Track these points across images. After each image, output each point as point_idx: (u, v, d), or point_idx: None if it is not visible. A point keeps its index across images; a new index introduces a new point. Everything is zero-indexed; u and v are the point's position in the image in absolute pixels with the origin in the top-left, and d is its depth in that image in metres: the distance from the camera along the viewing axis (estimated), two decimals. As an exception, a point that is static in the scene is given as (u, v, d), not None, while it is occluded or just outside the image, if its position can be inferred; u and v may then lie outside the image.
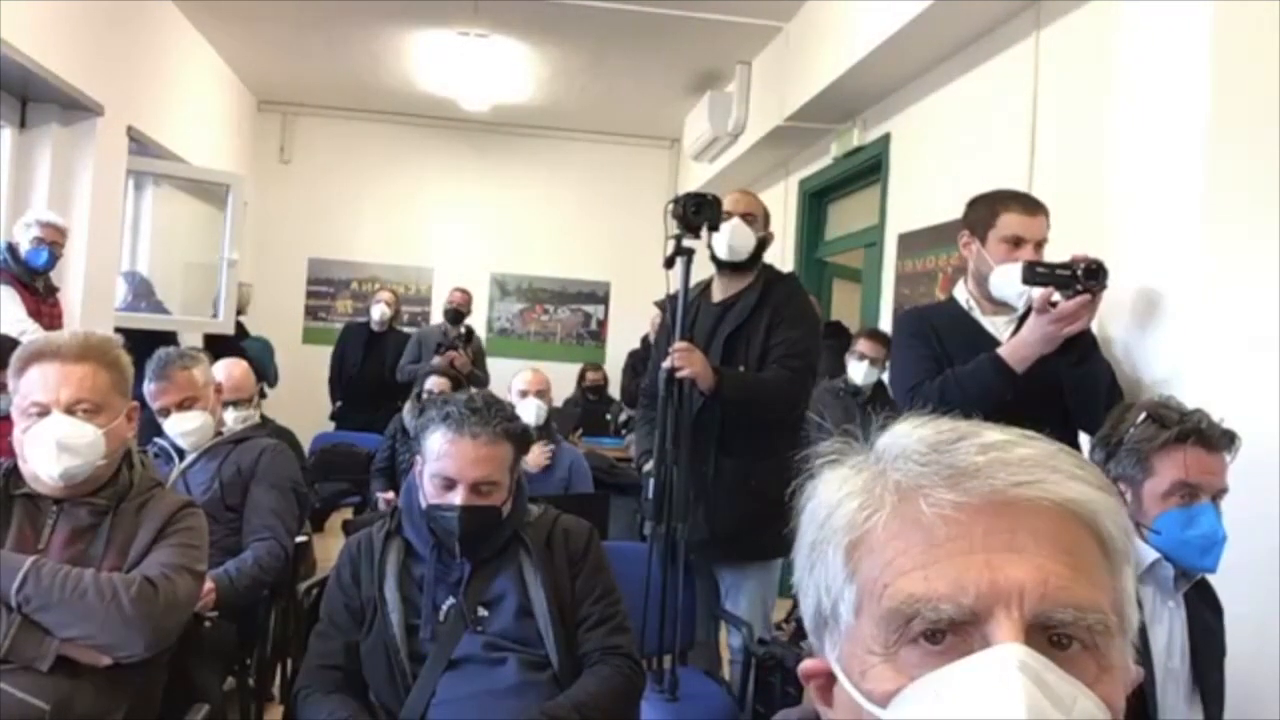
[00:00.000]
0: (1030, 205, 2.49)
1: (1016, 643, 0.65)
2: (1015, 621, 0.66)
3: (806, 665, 0.77)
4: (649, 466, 3.18)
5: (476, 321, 8.93)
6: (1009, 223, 2.44)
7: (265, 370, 6.71)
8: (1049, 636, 0.67)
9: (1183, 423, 1.88)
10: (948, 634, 0.67)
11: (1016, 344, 2.34)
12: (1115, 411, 2.04)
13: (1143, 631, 1.89)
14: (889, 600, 0.69)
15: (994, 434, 0.74)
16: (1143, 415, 1.92)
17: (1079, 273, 2.26)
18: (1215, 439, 1.88)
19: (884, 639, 0.69)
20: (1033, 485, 0.69)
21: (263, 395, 4.99)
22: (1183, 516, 1.87)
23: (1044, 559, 0.68)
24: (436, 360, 6.05)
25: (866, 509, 0.73)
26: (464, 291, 7.20)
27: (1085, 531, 0.70)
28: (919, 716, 0.66)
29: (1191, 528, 1.87)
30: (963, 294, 2.58)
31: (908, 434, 0.75)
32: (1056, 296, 2.29)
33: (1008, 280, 2.39)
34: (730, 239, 3.12)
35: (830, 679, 0.75)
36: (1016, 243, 2.42)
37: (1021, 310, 2.43)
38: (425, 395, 4.49)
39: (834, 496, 0.76)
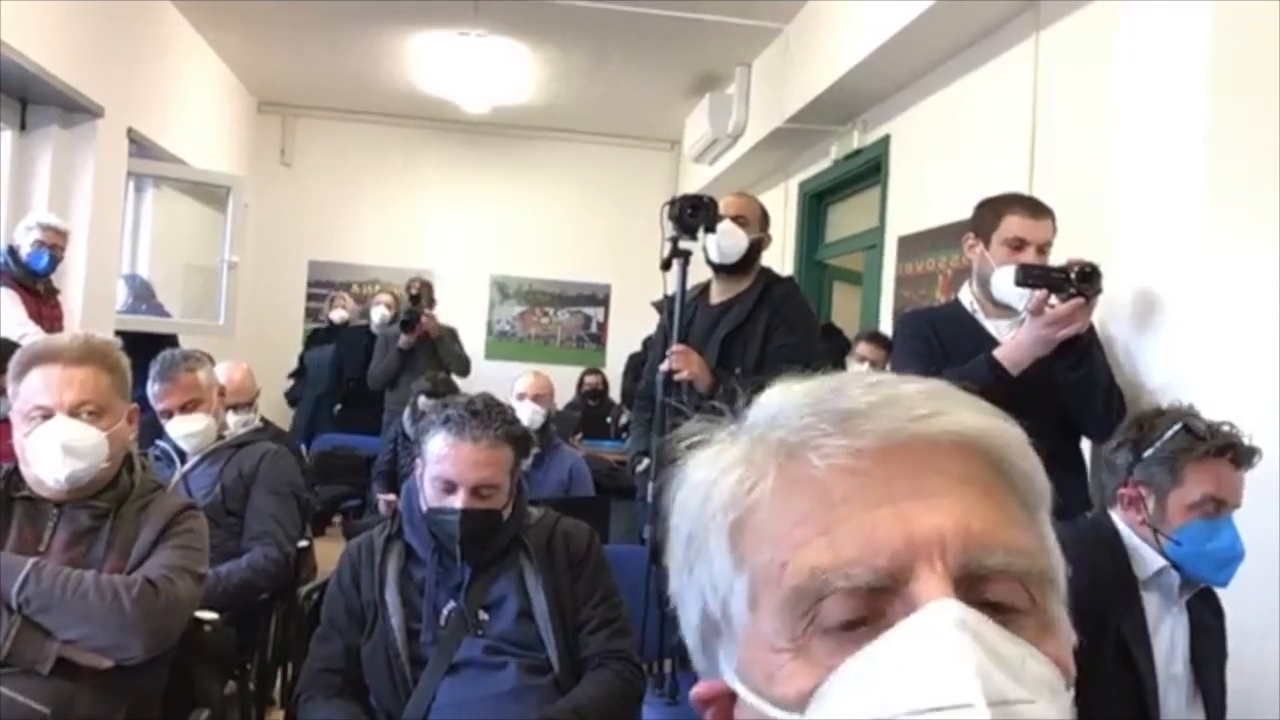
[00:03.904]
0: (1034, 209, 2.50)
1: (948, 598, 0.54)
2: (941, 575, 0.55)
3: (698, 690, 0.64)
4: (643, 466, 3.18)
5: (476, 324, 8.94)
6: (1012, 225, 2.45)
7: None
8: (983, 599, 0.56)
9: (1216, 436, 1.88)
10: (865, 618, 0.56)
11: (1012, 346, 2.35)
12: (1143, 416, 2.04)
13: (1145, 637, 1.89)
14: (791, 579, 0.58)
15: (881, 375, 0.65)
16: (1178, 425, 1.91)
17: (1073, 276, 2.27)
18: (1247, 455, 1.89)
19: (790, 630, 0.58)
20: (932, 419, 0.60)
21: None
22: (1206, 529, 1.88)
23: (958, 500, 0.58)
24: (403, 339, 5.78)
25: (748, 480, 0.62)
26: (414, 282, 6.37)
27: (994, 471, 0.61)
28: (847, 712, 0.54)
29: (1213, 541, 1.88)
30: (967, 296, 2.59)
31: (783, 393, 0.64)
32: (1054, 299, 2.30)
33: (1007, 282, 2.39)
34: (720, 240, 3.12)
35: (730, 701, 0.62)
36: (1018, 245, 2.43)
37: (1022, 312, 2.44)
38: (419, 413, 4.45)
39: (707, 476, 0.64)
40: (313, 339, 7.73)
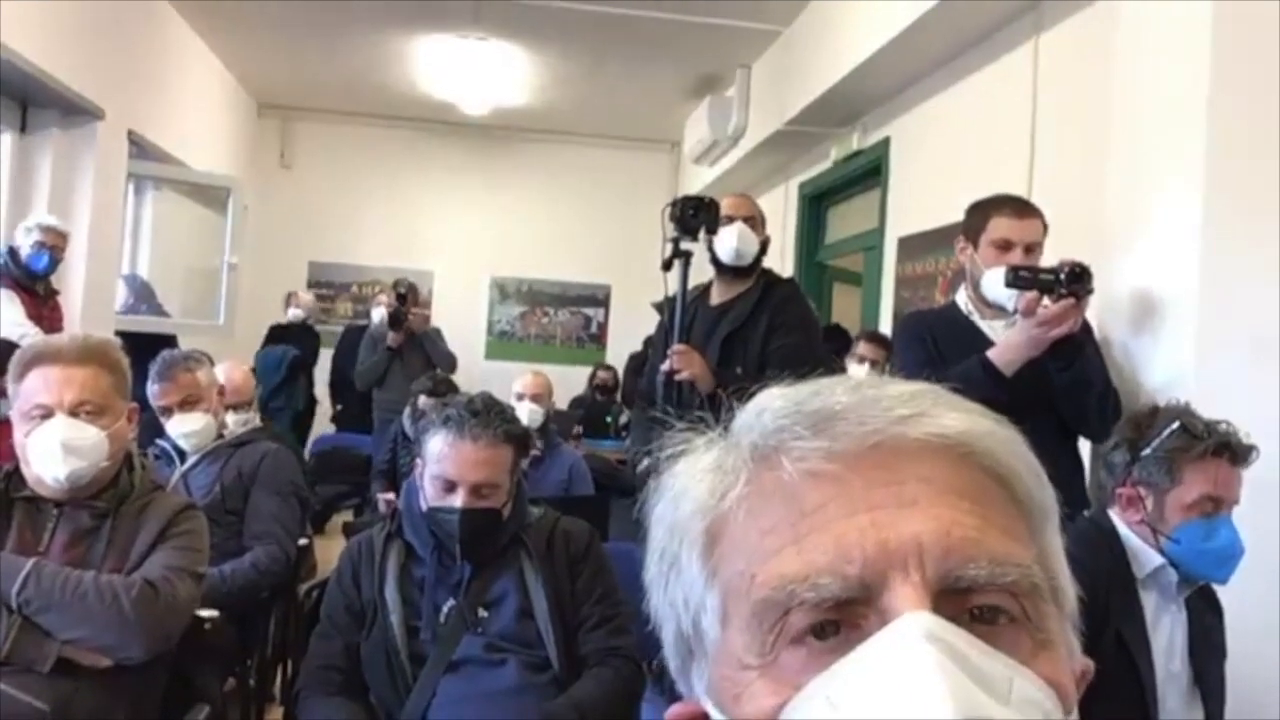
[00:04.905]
0: (1021, 209, 2.50)
1: (921, 610, 0.50)
2: (916, 586, 0.51)
3: (673, 712, 0.62)
4: (644, 466, 3.18)
5: (477, 324, 8.97)
6: (998, 226, 2.46)
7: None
8: (969, 611, 0.52)
9: (1213, 435, 1.89)
10: (839, 626, 0.52)
11: (1004, 347, 2.35)
12: (1139, 415, 2.04)
13: (1144, 635, 1.90)
14: (759, 591, 0.54)
15: (867, 378, 0.62)
16: (1175, 424, 1.91)
17: (1062, 276, 2.27)
18: (1244, 454, 1.89)
19: (759, 645, 0.54)
20: (915, 420, 0.56)
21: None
22: (1204, 528, 1.89)
23: (942, 508, 0.53)
24: (391, 336, 5.84)
25: (719, 488, 0.59)
26: (401, 282, 6.21)
27: (988, 478, 0.56)
28: None
29: (1211, 540, 1.89)
30: (963, 298, 2.59)
31: (766, 398, 0.61)
32: (1046, 300, 2.30)
33: (996, 283, 2.40)
34: (737, 243, 3.12)
35: None
36: (1005, 246, 2.44)
37: (1014, 313, 2.45)
38: (419, 412, 4.45)
39: (680, 486, 0.62)
40: (270, 338, 7.44)
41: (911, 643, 0.48)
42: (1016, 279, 2.30)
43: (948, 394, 0.59)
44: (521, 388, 4.30)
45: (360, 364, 6.09)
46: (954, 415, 0.57)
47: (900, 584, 0.51)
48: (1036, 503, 0.58)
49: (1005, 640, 0.52)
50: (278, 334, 7.44)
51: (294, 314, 7.53)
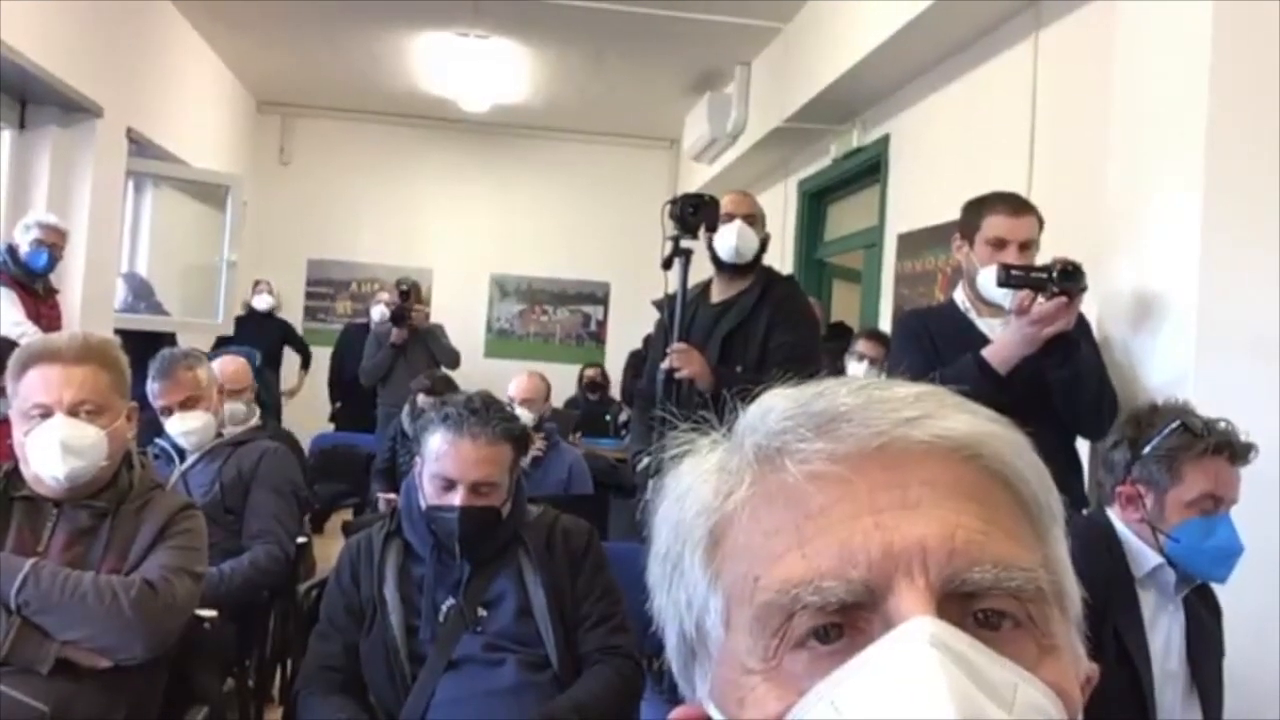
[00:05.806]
0: (1015, 206, 2.50)
1: (925, 615, 0.50)
2: (921, 590, 0.51)
3: (675, 715, 0.62)
4: (643, 465, 3.19)
5: (476, 322, 8.96)
6: (993, 224, 2.45)
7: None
8: (973, 615, 0.52)
9: (1213, 434, 1.89)
10: (843, 628, 0.52)
11: (998, 345, 2.35)
12: (1139, 413, 2.04)
13: (1141, 634, 1.90)
14: (762, 594, 0.54)
15: (872, 379, 0.62)
16: (1176, 422, 1.92)
17: (1054, 274, 2.27)
18: (1243, 452, 1.90)
19: (762, 649, 0.53)
20: (921, 422, 0.55)
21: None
22: (1203, 527, 1.89)
23: (947, 511, 0.53)
24: (395, 334, 5.87)
25: (722, 489, 0.58)
26: (404, 280, 6.23)
27: (994, 481, 0.56)
28: None
29: (1210, 538, 1.89)
30: (961, 296, 2.59)
31: (771, 400, 0.60)
32: (1040, 298, 2.30)
33: (991, 282, 2.40)
34: (737, 241, 3.12)
35: None
36: (1000, 244, 2.43)
37: (1009, 311, 2.45)
38: (418, 410, 4.45)
39: (683, 487, 0.61)
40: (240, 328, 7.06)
41: (916, 647, 0.48)
42: (1009, 278, 2.30)
43: (954, 396, 0.59)
44: (513, 392, 4.27)
45: (365, 362, 6.12)
46: (960, 417, 0.57)
47: (905, 588, 0.51)
48: (1043, 506, 0.58)
49: (1010, 645, 0.51)
50: (237, 325, 7.04)
51: (268, 301, 7.36)
